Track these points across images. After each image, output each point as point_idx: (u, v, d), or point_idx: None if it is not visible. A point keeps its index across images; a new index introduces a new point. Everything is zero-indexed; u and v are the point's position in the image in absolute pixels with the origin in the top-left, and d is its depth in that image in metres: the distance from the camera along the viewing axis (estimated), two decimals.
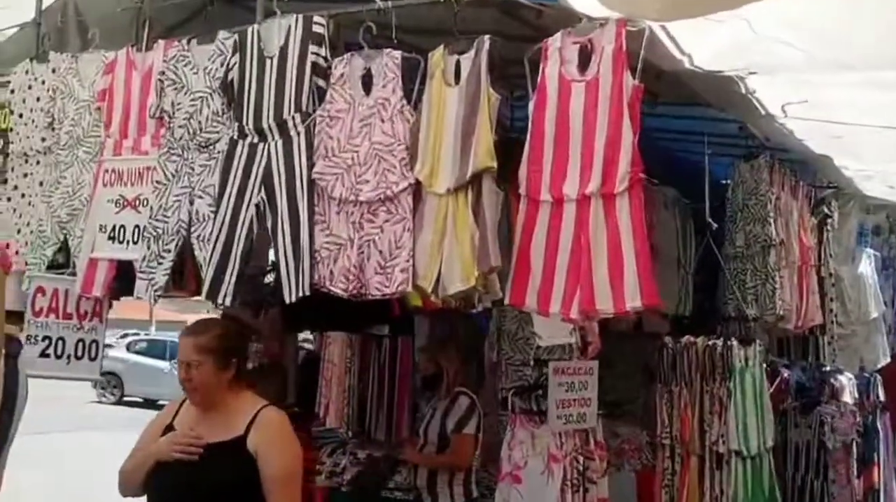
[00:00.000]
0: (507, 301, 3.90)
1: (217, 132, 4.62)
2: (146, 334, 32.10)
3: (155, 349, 26.59)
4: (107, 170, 4.96)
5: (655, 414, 5.53)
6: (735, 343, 5.44)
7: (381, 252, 4.15)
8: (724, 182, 6.57)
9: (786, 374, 8.31)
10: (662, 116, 6.49)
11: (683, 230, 7.40)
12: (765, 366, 7.92)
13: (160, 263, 4.66)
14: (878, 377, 8.76)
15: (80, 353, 4.97)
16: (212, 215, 4.54)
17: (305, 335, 7.63)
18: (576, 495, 4.71)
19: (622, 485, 5.89)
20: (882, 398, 8.91)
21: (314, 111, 4.34)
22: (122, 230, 4.86)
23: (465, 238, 3.90)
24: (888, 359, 8.23)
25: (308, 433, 5.70)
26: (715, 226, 5.76)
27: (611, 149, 3.71)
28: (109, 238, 4.89)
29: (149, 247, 4.71)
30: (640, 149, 7.05)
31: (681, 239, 7.50)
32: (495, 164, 3.86)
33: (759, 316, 5.86)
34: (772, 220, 5.86)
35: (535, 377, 5.10)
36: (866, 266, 7.93)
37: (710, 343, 5.50)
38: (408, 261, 4.07)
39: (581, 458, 4.74)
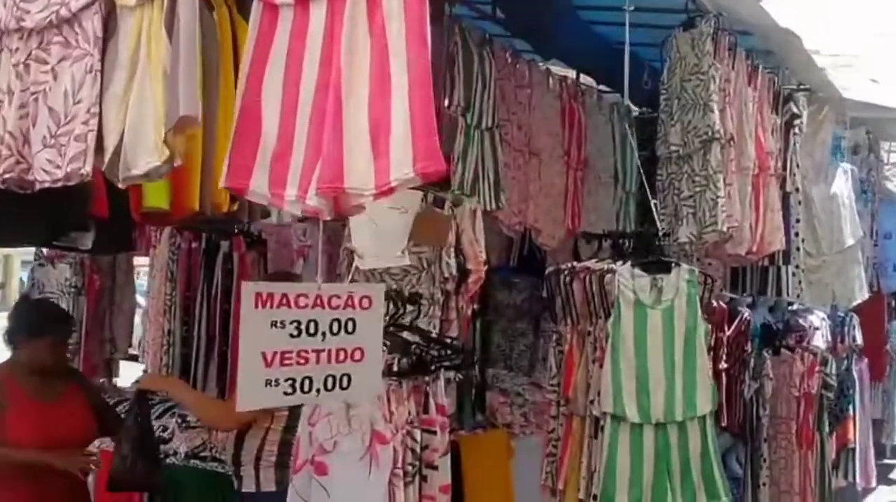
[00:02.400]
0: (222, 183, 2.14)
1: None
2: None
3: None
4: None
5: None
6: (625, 268, 3.65)
7: (52, 110, 2.39)
8: None
9: (746, 314, 6.59)
10: None
11: (623, 141, 5.65)
12: (720, 303, 6.28)
13: None
14: (855, 317, 7.00)
15: None
16: None
17: None
18: (409, 487, 3.00)
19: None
20: (859, 342, 7.16)
21: None
22: None
23: (157, 78, 2.15)
24: (865, 296, 6.47)
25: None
26: (636, 110, 3.97)
27: None
28: None
29: None
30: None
31: (619, 151, 5.76)
32: None
33: (696, 234, 4.11)
34: (715, 106, 4.07)
35: None
36: (842, 185, 6.14)
37: (604, 267, 3.72)
38: (87, 122, 2.31)
39: (418, 433, 3.03)
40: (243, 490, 3.60)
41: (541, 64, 5.15)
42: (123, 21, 2.30)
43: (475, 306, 4.35)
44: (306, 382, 2.13)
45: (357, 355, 2.23)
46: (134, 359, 5.91)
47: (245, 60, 2.10)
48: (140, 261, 5.85)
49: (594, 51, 5.42)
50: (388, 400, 2.93)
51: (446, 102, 4.28)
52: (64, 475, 3.71)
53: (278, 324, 2.07)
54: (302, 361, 2.12)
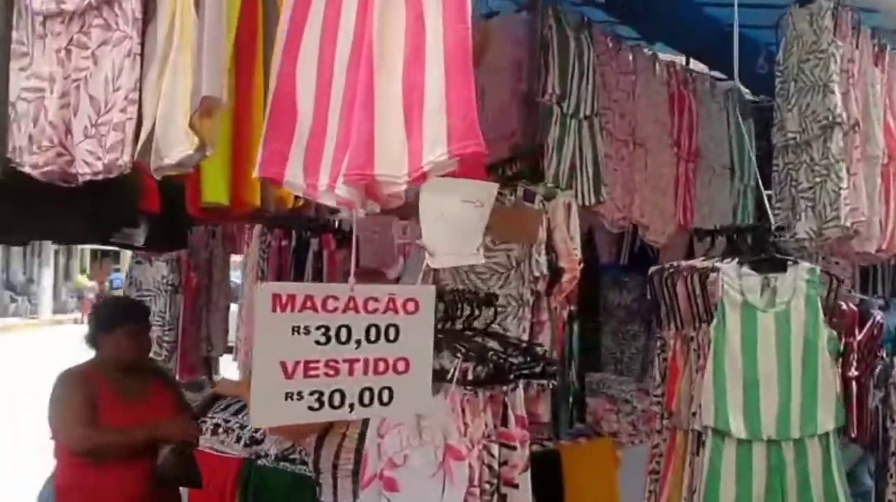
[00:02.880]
0: (255, 172, 1.89)
1: None
2: None
3: None
4: None
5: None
6: (731, 266, 3.17)
7: (92, 98, 2.20)
8: None
9: (879, 317, 5.94)
10: None
11: (739, 130, 5.18)
12: (849, 305, 5.68)
13: None
14: None
15: None
16: None
17: None
18: None
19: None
20: None
21: None
22: None
23: (187, 61, 1.92)
24: None
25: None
26: (752, 97, 3.53)
27: None
28: None
29: None
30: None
31: (735, 141, 5.29)
32: None
33: (816, 230, 3.64)
34: (836, 88, 3.59)
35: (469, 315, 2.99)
36: None
37: (708, 266, 3.28)
38: (125, 110, 2.11)
39: (495, 447, 2.70)
40: (322, 499, 3.37)
41: (646, 49, 4.75)
42: (161, 1, 2.09)
43: (572, 307, 3.99)
44: (336, 396, 1.84)
45: (400, 366, 1.93)
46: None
47: (280, 34, 1.84)
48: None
49: (705, 34, 4.96)
50: (463, 411, 2.63)
51: (540, 91, 3.97)
52: (146, 462, 3.61)
53: (301, 331, 1.79)
54: (331, 372, 1.83)
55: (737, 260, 3.21)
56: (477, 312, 2.77)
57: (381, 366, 1.91)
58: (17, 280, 27.09)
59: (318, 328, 1.82)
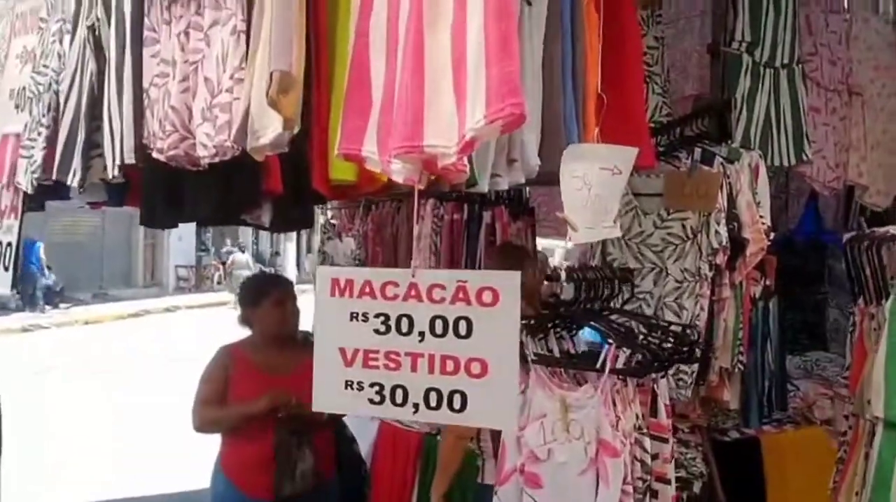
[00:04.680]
0: (337, 150, 1.85)
1: None
2: None
3: None
4: (18, 14, 3.49)
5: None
6: None
7: (207, 80, 2.26)
8: None
9: None
10: None
11: None
12: None
13: (40, 133, 3.11)
14: None
15: None
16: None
17: None
18: None
19: None
20: None
21: None
22: (21, 93, 3.39)
23: (266, 36, 1.92)
24: None
25: None
26: None
27: None
28: (16, 106, 3.43)
29: (30, 112, 3.19)
30: None
31: None
32: None
33: None
34: None
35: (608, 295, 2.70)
36: None
37: (889, 232, 2.87)
38: (230, 90, 2.16)
39: (647, 441, 2.47)
40: (484, 481, 3.34)
41: None
42: None
43: (767, 282, 3.67)
44: (399, 392, 1.74)
45: (475, 368, 1.74)
46: None
47: (353, 19, 1.79)
48: None
49: None
50: (614, 402, 2.47)
51: (726, 39, 3.67)
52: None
53: (359, 317, 1.73)
54: (392, 365, 1.74)
55: None
56: (616, 291, 2.59)
57: (450, 365, 1.76)
58: (265, 253, 29.67)
59: (376, 316, 1.74)
